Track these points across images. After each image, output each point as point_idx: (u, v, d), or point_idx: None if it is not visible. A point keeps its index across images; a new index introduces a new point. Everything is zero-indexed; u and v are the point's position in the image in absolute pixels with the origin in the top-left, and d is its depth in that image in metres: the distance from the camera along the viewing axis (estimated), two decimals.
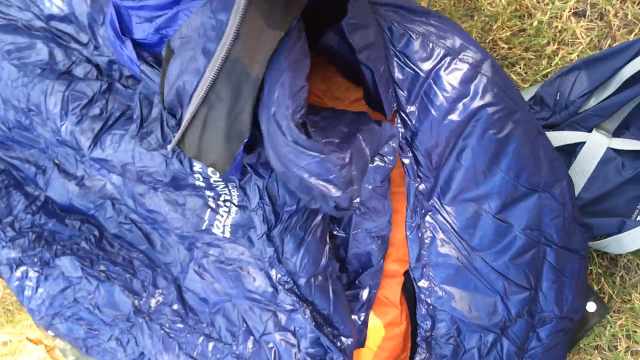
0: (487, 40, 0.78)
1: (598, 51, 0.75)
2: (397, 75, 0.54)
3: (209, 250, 0.70)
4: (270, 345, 0.66)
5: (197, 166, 0.63)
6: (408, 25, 0.54)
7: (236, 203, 0.66)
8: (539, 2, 0.77)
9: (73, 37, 0.77)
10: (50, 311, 0.78)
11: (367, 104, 0.58)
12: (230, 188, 0.65)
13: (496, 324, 0.59)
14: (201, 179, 0.64)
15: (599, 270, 0.77)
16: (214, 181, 0.64)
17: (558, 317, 0.60)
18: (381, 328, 0.64)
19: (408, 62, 0.54)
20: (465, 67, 0.54)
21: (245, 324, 0.68)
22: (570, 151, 0.72)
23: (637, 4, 0.75)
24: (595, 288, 0.77)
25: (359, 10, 0.50)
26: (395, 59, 0.54)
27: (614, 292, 0.77)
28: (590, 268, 0.77)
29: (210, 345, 0.70)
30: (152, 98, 0.67)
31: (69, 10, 0.75)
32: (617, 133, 0.73)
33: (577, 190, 0.71)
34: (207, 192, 0.66)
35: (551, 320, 0.60)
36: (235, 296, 0.68)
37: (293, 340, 0.64)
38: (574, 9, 0.76)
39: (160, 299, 0.73)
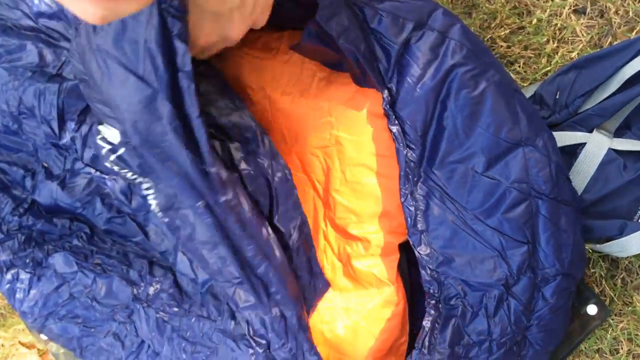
0: (486, 39, 0.77)
1: (598, 49, 0.74)
2: (377, 51, 0.58)
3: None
4: (244, 317, 0.66)
5: None
6: (378, 6, 0.57)
7: None
8: (538, 0, 0.75)
9: (62, 35, 0.77)
10: (44, 311, 0.77)
11: (357, 85, 0.61)
12: None
13: (498, 279, 0.60)
14: None
15: (601, 273, 0.76)
16: None
17: (561, 273, 0.61)
18: (380, 307, 0.64)
19: (383, 38, 0.57)
20: (434, 34, 0.57)
21: (227, 300, 0.69)
22: (571, 152, 0.71)
23: (638, 2, 0.74)
24: (597, 290, 0.76)
25: (327, 1, 0.53)
26: (372, 36, 0.57)
27: (615, 295, 0.76)
28: (590, 270, 0.76)
29: (201, 324, 0.71)
30: None
31: (58, 7, 0.74)
32: (618, 133, 0.71)
33: (579, 192, 0.70)
34: None
35: (555, 277, 0.61)
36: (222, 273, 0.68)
37: (277, 312, 0.65)
38: (574, 6, 0.75)
39: (158, 287, 0.74)
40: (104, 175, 0.74)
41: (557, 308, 0.63)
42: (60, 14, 0.75)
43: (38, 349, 0.92)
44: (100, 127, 0.63)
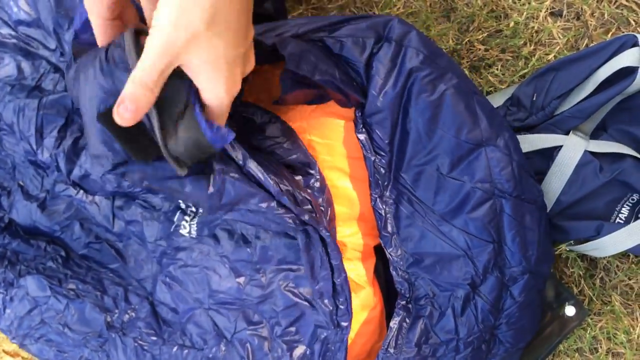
0: (464, 42, 0.77)
1: (575, 51, 0.74)
2: (350, 73, 0.60)
3: (176, 255, 0.70)
4: (243, 342, 0.67)
5: None
6: (336, 34, 0.59)
7: None
8: (515, 3, 0.76)
9: (41, 43, 0.77)
10: (20, 332, 0.77)
11: (344, 107, 0.63)
12: None
13: (464, 279, 0.61)
14: None
15: (579, 273, 0.77)
16: None
17: (528, 270, 0.62)
18: (358, 311, 0.64)
19: (350, 61, 0.59)
20: (391, 45, 0.59)
21: (215, 327, 0.69)
22: (548, 155, 0.71)
23: (614, 4, 0.74)
24: (575, 290, 0.77)
25: (290, 48, 0.56)
26: (342, 61, 0.59)
27: (594, 295, 0.76)
28: (569, 270, 0.77)
29: (184, 352, 0.70)
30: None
31: (36, 15, 0.74)
32: (594, 135, 0.72)
33: (556, 194, 0.71)
34: None
35: (522, 275, 0.62)
36: (203, 300, 0.69)
37: (265, 333, 0.66)
38: (550, 9, 0.75)
39: (134, 314, 0.73)
40: (84, 199, 0.75)
41: (526, 305, 0.64)
42: (39, 22, 0.75)
43: (22, 357, 0.92)
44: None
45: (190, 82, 0.47)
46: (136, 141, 0.54)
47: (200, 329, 0.70)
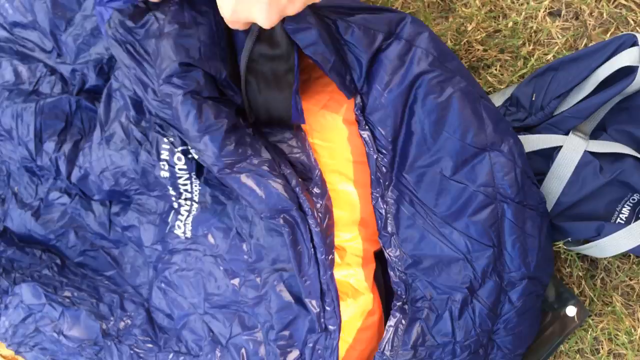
0: (462, 42, 0.77)
1: (574, 51, 0.74)
2: (350, 61, 0.60)
3: (171, 259, 0.71)
4: (238, 347, 0.67)
5: (164, 154, 0.65)
6: (349, 19, 0.59)
7: (197, 200, 0.67)
8: (513, 3, 0.75)
9: (37, 45, 0.77)
10: (15, 340, 0.77)
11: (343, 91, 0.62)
12: (193, 180, 0.66)
13: (463, 282, 0.61)
14: (167, 167, 0.65)
15: (580, 273, 0.76)
16: (179, 169, 0.65)
17: (527, 276, 0.62)
18: (357, 318, 0.64)
19: (355, 49, 0.59)
20: (401, 43, 0.59)
21: (211, 333, 0.69)
22: (548, 155, 0.71)
23: (612, 3, 0.74)
24: (576, 291, 0.77)
25: (296, 17, 0.55)
26: (345, 47, 0.59)
27: (595, 295, 0.76)
28: (570, 271, 0.77)
29: (179, 359, 0.71)
30: (114, 94, 0.68)
31: (32, 17, 0.74)
32: (594, 135, 0.72)
33: (556, 195, 0.70)
34: (171, 191, 0.67)
35: (521, 281, 0.62)
36: (198, 305, 0.69)
37: (259, 337, 0.66)
38: (549, 9, 0.75)
39: (129, 321, 0.74)
40: (78, 207, 0.75)
41: (524, 311, 0.63)
42: (35, 24, 0.75)
43: None
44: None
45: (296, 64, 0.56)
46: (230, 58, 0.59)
47: (195, 335, 0.70)
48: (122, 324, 0.73)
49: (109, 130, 0.67)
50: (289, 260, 0.62)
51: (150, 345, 0.72)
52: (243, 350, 0.66)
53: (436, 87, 0.58)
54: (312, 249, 0.60)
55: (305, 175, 0.64)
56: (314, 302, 0.61)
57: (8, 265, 0.78)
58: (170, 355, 0.70)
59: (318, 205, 0.62)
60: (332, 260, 0.62)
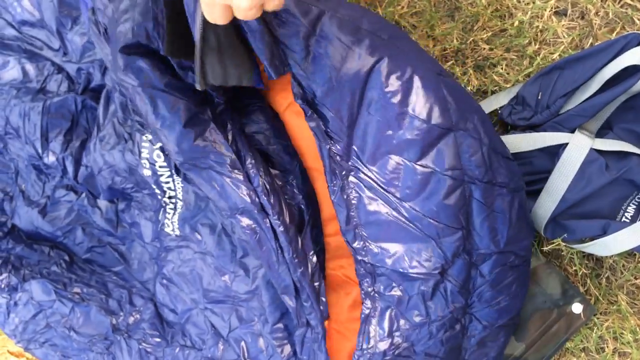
0: (469, 41, 0.77)
1: (579, 50, 0.74)
2: (281, 31, 0.54)
3: (167, 257, 0.72)
4: (238, 340, 0.67)
5: (144, 152, 0.65)
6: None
7: (181, 197, 0.68)
8: (519, 2, 0.76)
9: (45, 43, 0.78)
10: (25, 336, 0.78)
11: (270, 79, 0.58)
12: (175, 177, 0.66)
13: (435, 268, 0.58)
14: (147, 165, 0.65)
15: (585, 272, 0.77)
16: (159, 166, 0.65)
17: (496, 252, 0.60)
18: (348, 309, 0.64)
19: (288, 16, 0.54)
20: (345, 19, 0.55)
21: (212, 327, 0.70)
22: (553, 152, 0.71)
23: (618, 3, 0.75)
24: (582, 290, 0.77)
25: None
26: (274, 17, 0.54)
27: (600, 294, 0.76)
28: (575, 269, 0.77)
29: (185, 353, 0.72)
30: (111, 96, 0.69)
31: (40, 15, 0.75)
32: (600, 133, 0.72)
33: (561, 192, 0.70)
34: (156, 189, 0.68)
35: (490, 256, 0.60)
36: (198, 300, 0.70)
37: (257, 330, 0.66)
38: (555, 8, 0.75)
39: (138, 316, 0.74)
40: (85, 204, 0.76)
41: (497, 283, 0.62)
42: (42, 23, 0.75)
43: (27, 358, 0.92)
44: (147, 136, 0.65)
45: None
46: (179, 37, 0.53)
47: (198, 329, 0.71)
48: (131, 319, 0.74)
49: (104, 131, 0.68)
50: None
51: (158, 340, 0.72)
52: (243, 343, 0.67)
53: (396, 68, 0.54)
54: (279, 249, 0.58)
55: (283, 167, 0.62)
56: (288, 298, 0.60)
57: (17, 262, 0.78)
58: (177, 350, 0.71)
59: (298, 200, 0.61)
60: (322, 250, 0.62)
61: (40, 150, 0.73)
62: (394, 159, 0.56)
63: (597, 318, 0.77)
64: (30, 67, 0.77)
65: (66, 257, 0.79)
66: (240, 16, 0.43)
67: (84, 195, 0.77)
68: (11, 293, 0.77)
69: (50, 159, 0.73)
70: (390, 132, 0.56)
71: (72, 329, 0.75)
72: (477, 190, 0.58)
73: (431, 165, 0.56)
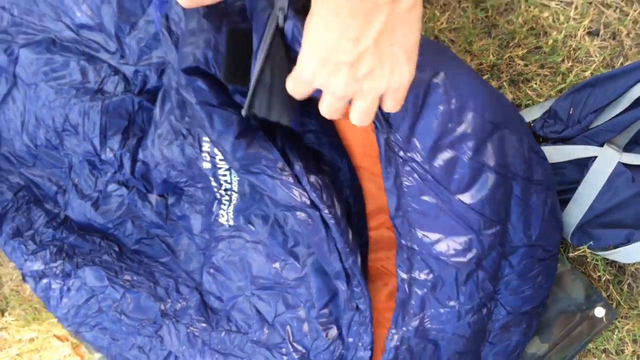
0: (504, 57, 0.81)
1: (611, 69, 0.78)
2: None
3: (218, 246, 0.75)
4: (284, 325, 0.71)
5: (205, 146, 0.68)
6: None
7: (236, 190, 0.71)
8: (554, 21, 0.80)
9: (102, 46, 0.81)
10: (76, 320, 0.81)
11: None
12: (232, 171, 0.70)
13: (472, 258, 0.61)
14: (208, 158, 0.69)
15: (608, 278, 0.81)
16: (219, 160, 0.69)
17: (526, 245, 0.63)
18: (385, 299, 0.68)
19: None
20: None
21: (258, 313, 0.74)
22: (583, 165, 0.75)
23: None
24: (604, 295, 0.81)
25: None
26: None
27: (621, 299, 0.80)
28: (599, 275, 0.81)
29: (231, 337, 0.76)
30: (167, 95, 0.72)
31: (99, 20, 0.78)
32: (627, 148, 0.75)
33: (589, 201, 0.74)
34: (213, 182, 0.71)
35: (520, 248, 0.64)
36: (245, 288, 0.74)
37: (302, 315, 0.70)
38: (588, 29, 0.79)
39: (184, 303, 0.78)
40: (136, 198, 0.80)
41: (524, 273, 0.65)
42: (101, 27, 0.79)
43: (71, 342, 0.96)
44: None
45: None
46: (237, 63, 0.56)
47: (244, 314, 0.75)
48: (178, 305, 0.78)
49: (161, 128, 0.72)
50: None
51: (204, 325, 0.76)
52: (288, 327, 0.71)
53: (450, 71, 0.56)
54: (332, 240, 0.62)
55: (333, 164, 0.66)
56: (340, 283, 0.64)
57: (70, 250, 0.82)
58: (223, 334, 0.75)
59: (346, 195, 0.64)
60: (366, 243, 0.65)
61: (98, 147, 0.77)
62: (450, 152, 0.58)
63: (618, 322, 0.81)
64: (89, 69, 0.79)
65: (116, 248, 0.82)
66: (355, 122, 0.47)
67: (134, 190, 0.81)
68: (64, 279, 0.80)
69: (108, 155, 0.77)
70: (450, 125, 0.57)
71: (123, 313, 0.79)
72: (517, 187, 0.61)
73: (483, 160, 0.59)
